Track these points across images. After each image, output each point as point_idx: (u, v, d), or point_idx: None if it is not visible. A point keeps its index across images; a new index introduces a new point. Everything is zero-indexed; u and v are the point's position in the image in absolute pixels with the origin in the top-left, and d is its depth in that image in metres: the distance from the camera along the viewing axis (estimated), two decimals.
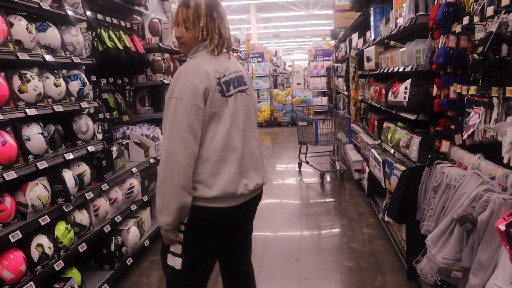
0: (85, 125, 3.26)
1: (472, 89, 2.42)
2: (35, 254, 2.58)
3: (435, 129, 3.06)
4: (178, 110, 1.82)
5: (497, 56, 2.13)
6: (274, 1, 19.36)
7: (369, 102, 5.16)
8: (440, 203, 2.53)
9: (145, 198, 4.14)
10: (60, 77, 3.00)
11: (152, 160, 4.32)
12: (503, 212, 1.89)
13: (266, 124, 13.86)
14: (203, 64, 1.92)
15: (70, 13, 3.06)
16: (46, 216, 2.69)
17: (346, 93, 7.87)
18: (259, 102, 14.72)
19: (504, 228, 1.55)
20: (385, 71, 4.17)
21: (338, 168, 7.03)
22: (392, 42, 3.73)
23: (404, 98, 3.29)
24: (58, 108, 2.90)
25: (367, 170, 5.11)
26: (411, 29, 3.36)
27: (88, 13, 3.69)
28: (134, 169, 3.93)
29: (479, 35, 2.41)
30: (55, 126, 3.00)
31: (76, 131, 3.20)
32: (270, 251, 4.14)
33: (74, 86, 3.15)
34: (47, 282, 2.75)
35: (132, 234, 3.77)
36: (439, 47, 2.78)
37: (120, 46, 4.03)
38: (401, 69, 3.54)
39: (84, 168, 3.19)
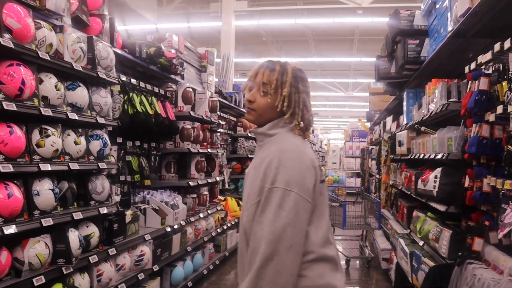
0: (100, 185, 3.21)
1: (508, 184, 2.21)
2: None
3: (467, 224, 2.80)
4: (284, 205, 1.49)
5: None
6: (315, 81, 19.87)
7: (399, 188, 4.92)
8: None
9: (156, 268, 3.95)
10: (81, 136, 3.02)
11: (168, 229, 4.19)
12: None
13: None
14: (303, 147, 1.66)
15: (101, 75, 3.15)
16: (42, 276, 2.56)
17: (377, 176, 7.64)
18: None
19: None
20: (416, 157, 3.99)
21: (366, 255, 6.61)
22: (423, 128, 3.60)
23: (434, 187, 3.08)
24: (74, 166, 2.88)
25: (395, 260, 4.74)
26: (443, 115, 3.23)
27: (123, 77, 3.82)
28: (147, 236, 3.80)
29: None
30: (69, 183, 2.97)
31: (91, 191, 3.16)
32: None
33: (95, 145, 3.16)
34: None
35: None
36: (472, 135, 2.62)
37: (150, 111, 4.09)
38: (432, 156, 3.36)
39: (92, 229, 3.09)
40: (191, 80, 5.43)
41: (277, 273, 1.44)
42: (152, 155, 4.55)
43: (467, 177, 2.77)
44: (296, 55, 16.44)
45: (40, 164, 2.59)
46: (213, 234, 5.51)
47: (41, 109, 2.61)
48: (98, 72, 3.13)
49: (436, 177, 3.10)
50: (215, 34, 11.02)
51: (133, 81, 3.98)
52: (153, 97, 4.28)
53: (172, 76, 4.69)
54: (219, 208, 5.75)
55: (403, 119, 5.08)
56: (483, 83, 2.58)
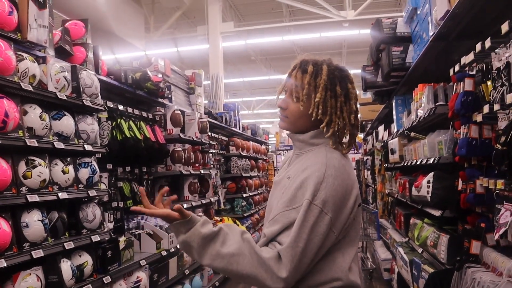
0: (92, 213, 3.16)
1: (500, 183, 2.20)
2: None
3: (463, 227, 2.77)
4: (316, 229, 1.35)
5: None
6: None
7: (395, 196, 4.90)
8: None
9: None
10: (69, 164, 2.99)
11: (164, 253, 4.12)
12: None
13: None
14: (348, 167, 1.48)
15: (87, 103, 3.14)
16: None
17: (373, 186, 7.61)
18: None
19: None
20: (409, 163, 3.97)
21: (368, 266, 6.54)
22: (412, 134, 3.60)
23: (427, 192, 3.05)
24: (63, 195, 2.84)
25: (396, 270, 4.68)
26: (431, 120, 3.24)
27: (110, 104, 3.81)
28: (142, 262, 3.73)
29: (502, 124, 2.26)
30: (59, 213, 2.92)
31: (82, 219, 3.10)
32: None
33: (84, 173, 3.12)
34: None
35: None
36: (461, 137, 2.61)
37: (139, 136, 4.07)
38: (424, 162, 3.34)
39: (85, 258, 3.03)
40: (179, 102, 5.43)
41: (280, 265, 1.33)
42: (144, 179, 4.51)
43: (459, 179, 2.75)
44: (286, 72, 16.55)
45: (27, 196, 2.55)
46: None
47: (27, 140, 2.58)
48: (83, 100, 3.12)
49: (429, 182, 3.08)
50: (204, 57, 11.10)
51: (121, 107, 3.97)
52: (141, 122, 4.26)
53: (160, 99, 4.68)
54: None
55: (394, 127, 5.08)
56: (468, 84, 2.58)
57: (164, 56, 5.18)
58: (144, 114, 4.42)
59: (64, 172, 2.90)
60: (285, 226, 1.38)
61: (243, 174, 7.50)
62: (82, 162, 3.15)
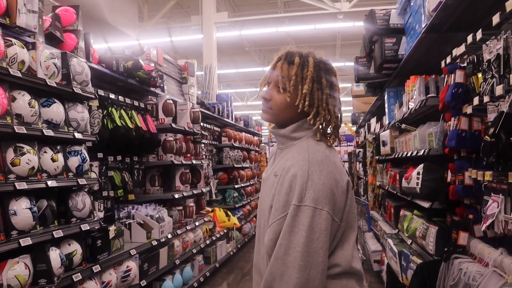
0: (81, 202, 3.15)
1: (488, 175, 2.21)
2: None
3: (451, 219, 2.80)
4: (316, 227, 1.34)
5: (511, 138, 1.95)
6: None
7: (386, 188, 4.92)
8: None
9: (143, 283, 3.87)
10: (59, 152, 2.96)
11: (154, 242, 4.12)
12: None
13: None
14: (332, 157, 1.47)
15: (77, 90, 3.11)
16: None
17: (365, 178, 7.64)
18: None
19: None
20: (400, 155, 3.99)
21: None
22: (403, 126, 3.61)
23: (417, 184, 3.07)
24: (52, 183, 2.82)
25: (385, 261, 4.71)
26: (422, 112, 3.24)
27: (101, 92, 3.77)
28: (132, 251, 3.73)
29: (492, 116, 2.27)
30: (48, 201, 2.90)
31: (72, 208, 3.09)
32: None
33: (74, 162, 3.10)
34: None
35: None
36: (451, 129, 2.62)
37: (131, 125, 4.04)
38: (414, 153, 3.36)
39: (75, 247, 3.02)
40: (172, 92, 5.39)
41: None
42: (135, 169, 4.48)
43: (449, 171, 2.77)
44: None
45: (16, 183, 2.53)
46: (202, 246, 5.44)
47: (15, 127, 2.56)
48: (74, 88, 3.09)
49: (418, 173, 3.10)
50: (198, 47, 11.02)
51: (112, 95, 3.94)
52: (133, 111, 4.23)
53: (152, 88, 4.65)
54: (206, 219, 5.68)
55: (386, 119, 5.09)
56: (459, 76, 2.59)
57: (158, 46, 5.14)
58: (136, 103, 4.39)
59: (53, 160, 2.88)
60: (283, 236, 1.37)
61: (235, 165, 7.50)
62: (72, 150, 3.13)
